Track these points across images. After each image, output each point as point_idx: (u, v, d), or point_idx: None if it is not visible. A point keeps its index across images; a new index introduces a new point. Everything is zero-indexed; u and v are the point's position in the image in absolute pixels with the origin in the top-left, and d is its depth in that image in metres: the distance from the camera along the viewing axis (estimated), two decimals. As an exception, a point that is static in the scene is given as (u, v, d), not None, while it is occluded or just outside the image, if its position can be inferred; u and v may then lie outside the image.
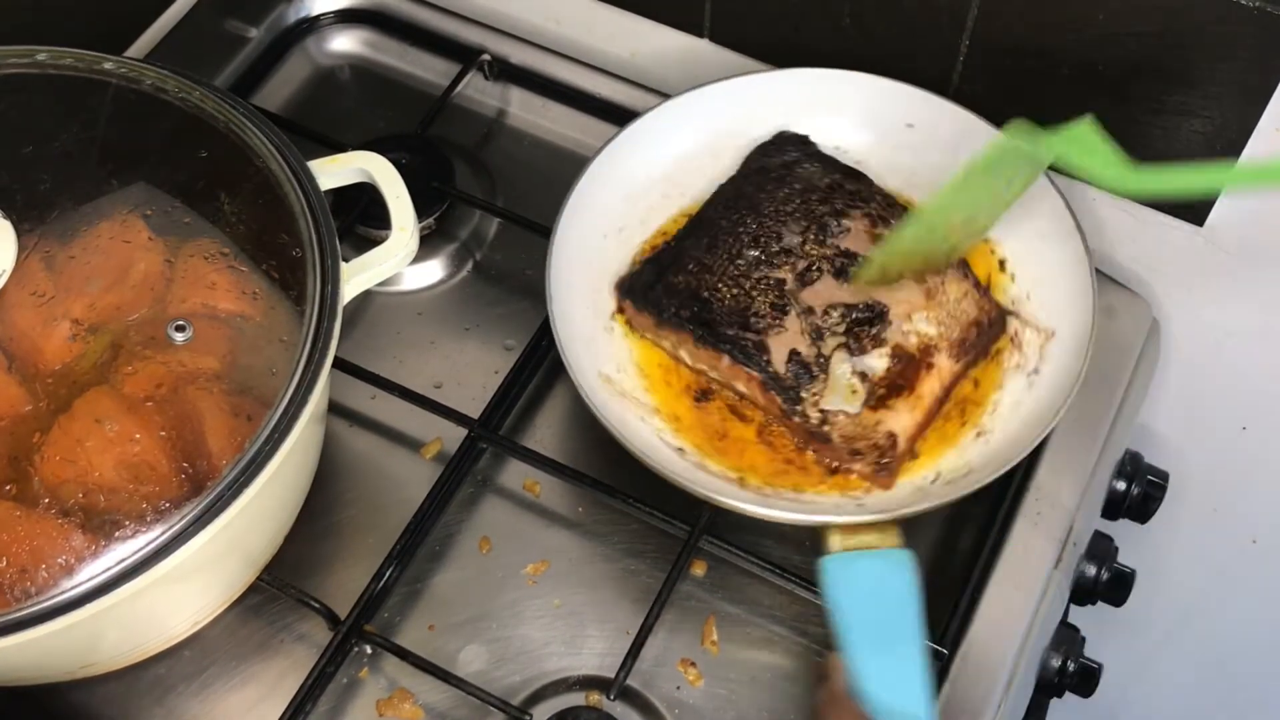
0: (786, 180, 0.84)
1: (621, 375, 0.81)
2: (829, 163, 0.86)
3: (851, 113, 0.88)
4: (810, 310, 0.79)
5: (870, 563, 0.72)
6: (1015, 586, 0.77)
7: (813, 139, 0.87)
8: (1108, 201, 0.87)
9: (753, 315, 0.79)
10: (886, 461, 0.76)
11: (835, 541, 0.73)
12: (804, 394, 0.78)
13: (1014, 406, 0.79)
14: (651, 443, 0.78)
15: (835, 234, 0.82)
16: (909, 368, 0.79)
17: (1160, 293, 0.91)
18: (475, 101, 0.99)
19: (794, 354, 0.78)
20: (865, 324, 0.79)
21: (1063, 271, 0.81)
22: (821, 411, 0.77)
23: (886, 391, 0.78)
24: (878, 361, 0.78)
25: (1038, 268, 0.83)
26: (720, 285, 0.81)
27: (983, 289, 0.81)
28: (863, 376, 0.78)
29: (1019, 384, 0.80)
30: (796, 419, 0.78)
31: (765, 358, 0.78)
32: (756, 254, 0.81)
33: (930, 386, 0.79)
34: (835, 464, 0.78)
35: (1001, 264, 0.84)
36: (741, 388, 0.80)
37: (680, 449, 0.78)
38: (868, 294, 0.80)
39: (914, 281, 0.80)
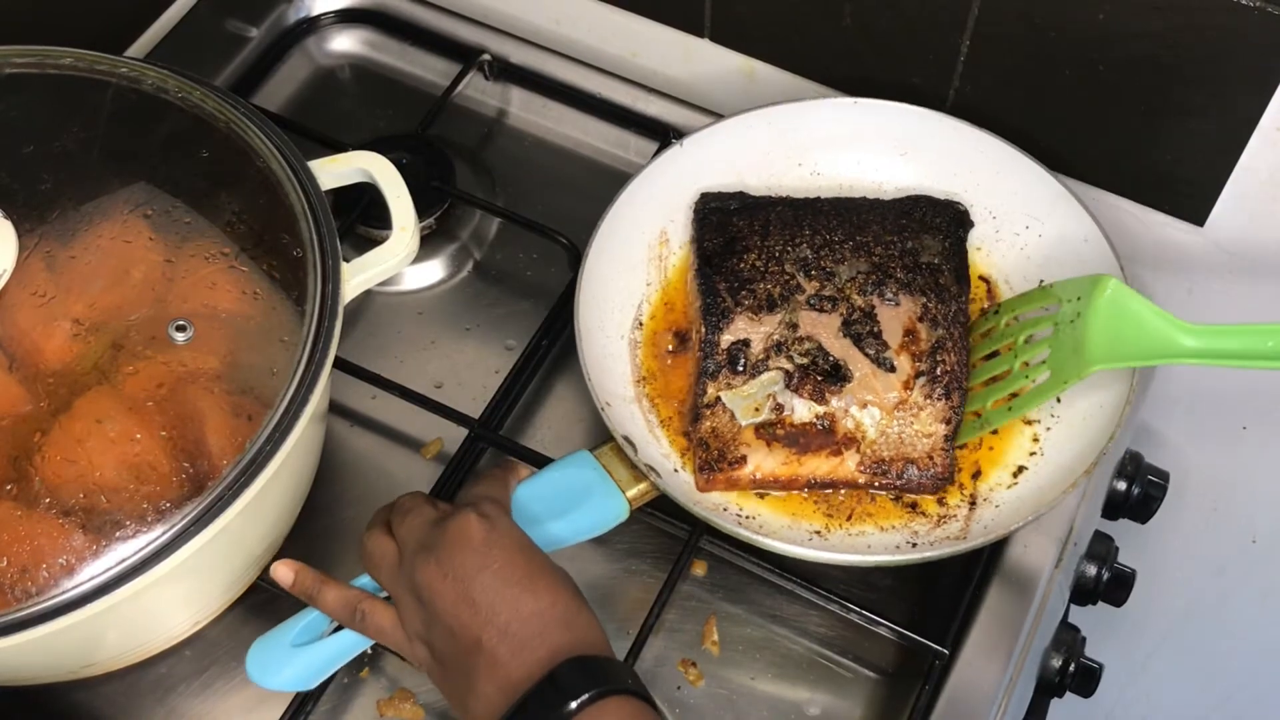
0: (905, 233, 0.81)
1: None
2: (955, 252, 0.81)
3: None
4: (793, 326, 0.78)
5: (600, 484, 0.73)
6: (1015, 586, 0.77)
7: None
8: (1108, 200, 0.87)
9: (745, 290, 0.79)
10: (717, 471, 0.75)
11: (620, 470, 0.74)
12: (722, 380, 0.77)
13: (884, 533, 0.76)
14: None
15: (882, 298, 0.79)
16: (820, 438, 0.76)
17: (1160, 293, 0.91)
18: (475, 101, 0.99)
19: (744, 343, 0.78)
20: (821, 375, 0.77)
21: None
22: (716, 399, 0.77)
23: (782, 435, 0.76)
24: (803, 409, 0.76)
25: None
26: (755, 253, 0.80)
27: (950, 449, 0.76)
28: (778, 409, 0.77)
29: (899, 539, 0.75)
30: (697, 388, 0.78)
31: (721, 324, 0.78)
32: (807, 255, 0.80)
33: (815, 467, 0.76)
34: (685, 441, 0.78)
35: (1036, 438, 0.78)
36: (694, 336, 0.80)
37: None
38: (845, 356, 0.77)
39: (901, 388, 0.76)
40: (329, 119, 0.96)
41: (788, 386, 0.77)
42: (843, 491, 0.77)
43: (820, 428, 0.76)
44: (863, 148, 0.87)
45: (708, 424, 0.77)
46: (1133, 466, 0.89)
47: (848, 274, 0.79)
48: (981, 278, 0.84)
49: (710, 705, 0.75)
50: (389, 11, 1.01)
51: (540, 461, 0.80)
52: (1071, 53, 0.81)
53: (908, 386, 0.77)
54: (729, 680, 0.76)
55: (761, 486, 0.76)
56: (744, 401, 0.76)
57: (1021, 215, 0.84)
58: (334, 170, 0.75)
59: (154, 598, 0.66)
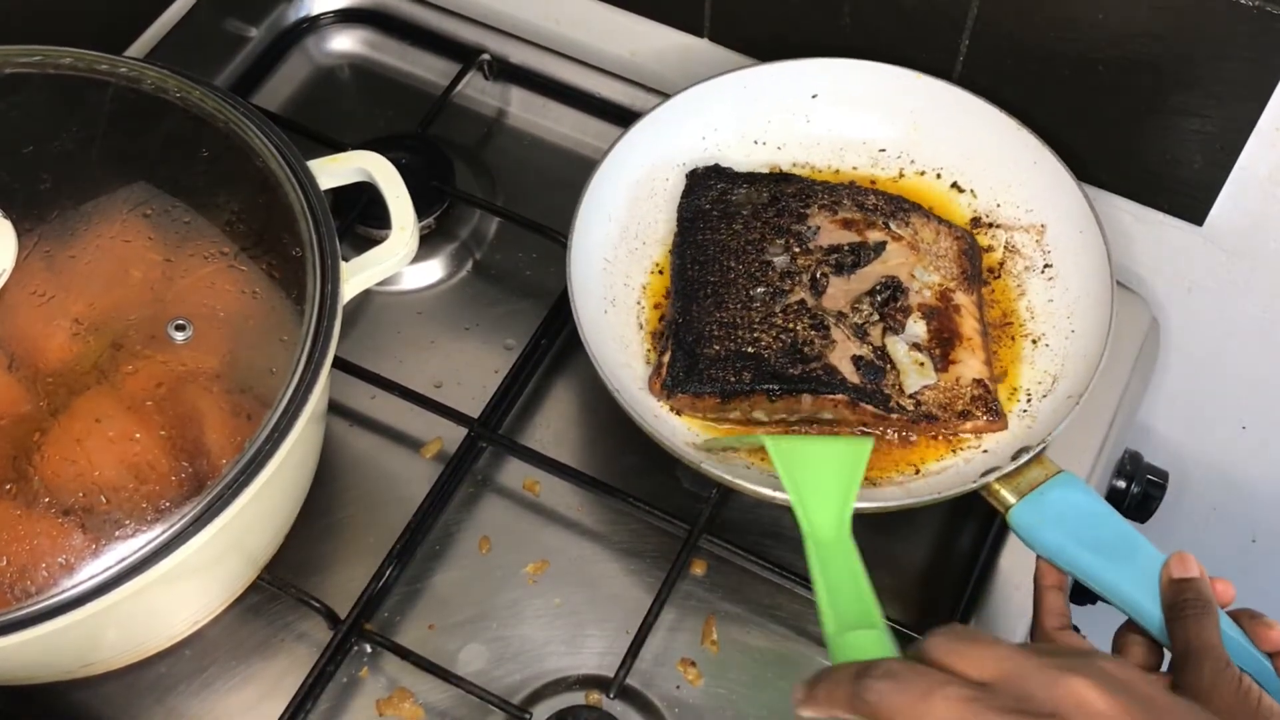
0: (730, 213, 0.84)
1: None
2: (753, 178, 0.86)
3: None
4: (842, 314, 0.79)
5: (1054, 494, 0.69)
6: (1015, 586, 0.77)
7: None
8: (1107, 200, 0.87)
9: (804, 345, 0.78)
10: (992, 405, 0.77)
11: (1008, 495, 0.71)
12: (887, 390, 0.77)
13: (1047, 304, 0.82)
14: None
15: (811, 237, 0.82)
16: (943, 319, 0.80)
17: (1160, 293, 0.91)
18: (475, 101, 0.99)
19: (857, 360, 0.78)
20: (890, 300, 0.80)
21: (1018, 166, 0.84)
22: (911, 397, 0.77)
23: (941, 349, 0.79)
24: (918, 327, 0.79)
25: (991, 173, 0.86)
26: (758, 334, 0.79)
27: (941, 219, 0.84)
28: (918, 347, 0.79)
29: (1038, 283, 0.83)
30: (895, 415, 0.77)
31: (839, 377, 0.77)
32: (764, 290, 0.80)
33: (969, 325, 0.80)
34: (949, 433, 0.78)
35: (955, 185, 0.87)
36: (828, 414, 0.78)
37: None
38: (877, 274, 0.81)
39: (892, 241, 0.82)
40: (329, 119, 0.96)
41: (897, 332, 0.79)
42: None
43: (934, 316, 0.80)
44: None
45: (935, 408, 0.77)
46: (1132, 466, 0.89)
47: (785, 259, 0.82)
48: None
49: (710, 704, 0.75)
50: (389, 11, 1.01)
51: (541, 461, 0.80)
52: (1071, 52, 0.81)
53: (897, 238, 0.82)
54: (728, 679, 0.76)
55: (993, 368, 0.80)
56: (913, 372, 0.78)
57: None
58: (333, 170, 0.75)
59: (153, 597, 0.66)
